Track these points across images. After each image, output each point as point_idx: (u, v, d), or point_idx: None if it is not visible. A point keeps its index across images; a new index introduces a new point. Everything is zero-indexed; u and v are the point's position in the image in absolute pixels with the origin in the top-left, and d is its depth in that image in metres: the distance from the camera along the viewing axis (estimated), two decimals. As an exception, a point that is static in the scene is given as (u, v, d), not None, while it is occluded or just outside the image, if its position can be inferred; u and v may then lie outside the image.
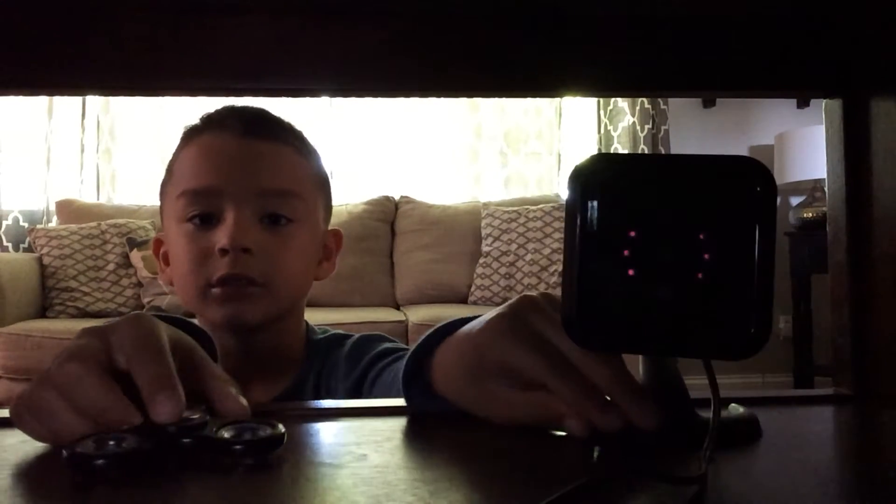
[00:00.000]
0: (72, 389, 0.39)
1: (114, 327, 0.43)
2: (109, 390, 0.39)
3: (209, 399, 0.43)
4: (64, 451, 0.35)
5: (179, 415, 0.39)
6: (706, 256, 0.40)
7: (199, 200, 0.71)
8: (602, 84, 0.60)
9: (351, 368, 0.75)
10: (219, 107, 0.76)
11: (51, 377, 0.40)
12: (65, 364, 0.40)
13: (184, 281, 0.72)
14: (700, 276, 0.40)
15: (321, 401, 0.73)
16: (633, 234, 0.41)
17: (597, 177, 0.43)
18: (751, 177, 0.40)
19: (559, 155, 3.59)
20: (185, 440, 0.38)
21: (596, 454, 0.41)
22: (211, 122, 0.74)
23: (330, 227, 0.81)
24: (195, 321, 0.57)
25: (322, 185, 0.79)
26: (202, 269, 0.69)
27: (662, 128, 3.49)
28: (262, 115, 0.75)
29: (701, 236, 0.40)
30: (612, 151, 3.42)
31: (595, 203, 0.42)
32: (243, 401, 0.44)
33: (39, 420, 0.41)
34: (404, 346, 0.76)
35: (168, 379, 0.39)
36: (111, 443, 0.36)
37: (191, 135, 0.75)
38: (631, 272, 0.41)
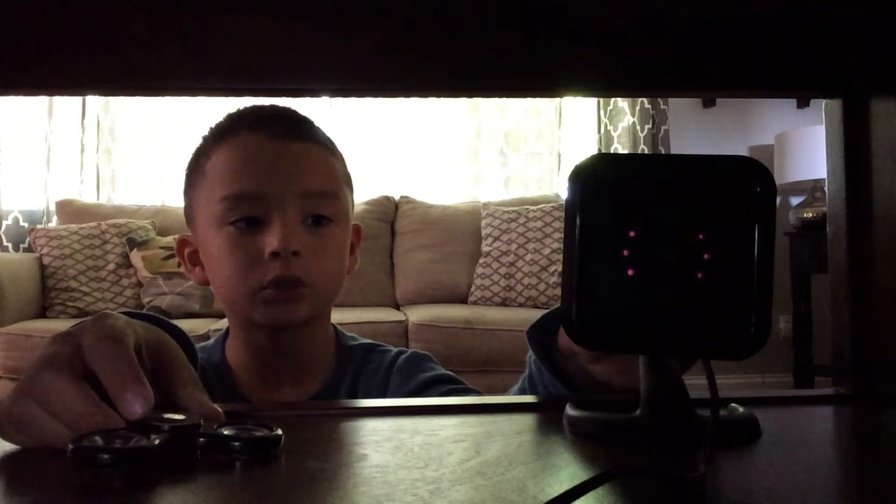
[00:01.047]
0: (49, 399, 0.39)
1: (82, 329, 0.42)
2: (84, 396, 0.39)
3: (180, 404, 0.43)
4: (70, 445, 0.35)
5: (150, 409, 0.38)
6: (705, 256, 0.40)
7: (242, 205, 0.71)
8: (602, 84, 0.60)
9: (403, 382, 0.76)
10: (242, 106, 0.76)
11: (27, 388, 0.40)
12: (39, 374, 0.40)
13: (230, 284, 0.72)
14: (699, 275, 0.40)
15: (321, 401, 0.73)
16: (632, 234, 0.41)
17: (596, 177, 0.43)
18: (750, 176, 0.40)
19: (559, 155, 3.59)
20: (200, 439, 0.38)
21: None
22: (241, 123, 0.74)
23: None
24: (176, 322, 0.57)
25: (350, 182, 0.80)
26: (251, 273, 0.70)
27: (662, 128, 3.48)
28: (294, 114, 0.76)
29: (700, 236, 0.40)
30: (612, 151, 3.42)
31: (594, 203, 0.42)
32: (216, 407, 0.44)
33: (24, 432, 0.41)
34: (456, 377, 0.78)
35: (131, 375, 0.39)
36: (117, 440, 0.36)
37: (221, 135, 0.74)
38: (630, 272, 0.41)
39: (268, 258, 0.69)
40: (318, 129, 0.77)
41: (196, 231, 0.76)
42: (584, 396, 0.55)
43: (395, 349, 0.82)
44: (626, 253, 0.41)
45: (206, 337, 2.26)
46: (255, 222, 0.71)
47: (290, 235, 0.69)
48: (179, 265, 2.93)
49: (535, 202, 3.17)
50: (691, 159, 0.42)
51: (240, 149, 0.73)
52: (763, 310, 0.39)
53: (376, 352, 0.81)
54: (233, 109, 0.77)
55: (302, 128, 0.75)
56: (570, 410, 0.47)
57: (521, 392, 0.65)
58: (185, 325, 2.48)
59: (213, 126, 0.77)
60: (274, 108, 0.76)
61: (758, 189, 0.40)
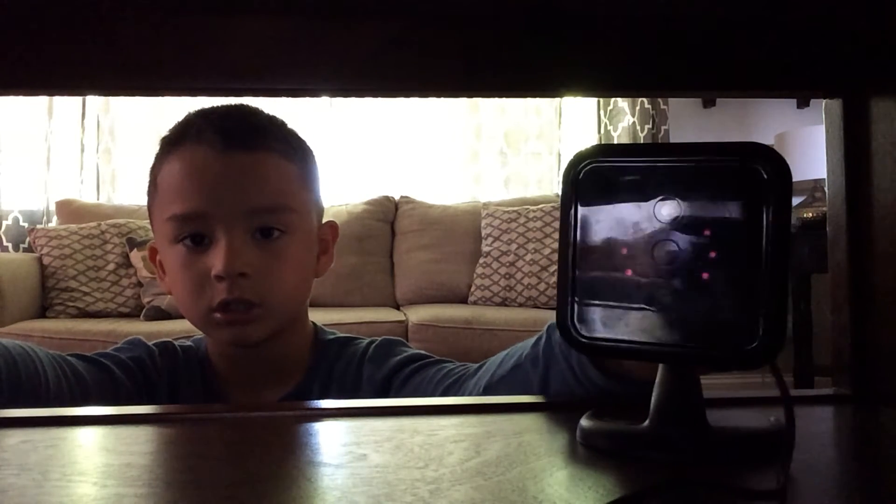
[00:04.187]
0: None
1: None
2: None
3: None
4: None
5: None
6: (712, 254, 0.37)
7: (188, 224, 0.69)
8: (602, 84, 0.60)
9: (375, 370, 0.76)
10: (194, 110, 0.73)
11: None
12: None
13: (185, 305, 0.72)
14: (705, 276, 0.37)
15: (321, 401, 0.73)
16: (631, 230, 0.38)
17: (593, 169, 0.40)
18: (758, 163, 0.36)
19: (559, 155, 3.59)
20: None
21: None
22: (188, 133, 0.71)
23: (325, 220, 0.80)
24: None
25: (310, 183, 0.76)
26: (201, 294, 0.69)
27: (662, 128, 3.48)
28: (242, 119, 0.73)
29: (706, 232, 0.37)
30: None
31: (591, 197, 0.40)
32: None
33: None
34: (427, 354, 0.77)
35: None
36: None
37: (169, 146, 0.73)
38: (629, 272, 0.38)
39: (214, 280, 0.68)
40: (274, 130, 0.73)
41: (158, 245, 0.76)
42: (603, 404, 0.52)
43: (367, 339, 0.81)
44: (624, 251, 0.38)
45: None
46: (203, 240, 0.69)
47: (235, 257, 0.67)
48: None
49: (535, 202, 3.17)
50: (695, 147, 0.39)
51: (185, 163, 0.70)
52: (775, 315, 0.35)
53: (350, 345, 0.80)
54: (188, 112, 0.74)
55: (250, 135, 0.71)
56: (583, 421, 0.44)
57: (525, 360, 0.61)
58: (184, 325, 2.47)
59: (165, 133, 0.74)
60: (225, 112, 0.73)
61: (767, 177, 0.36)
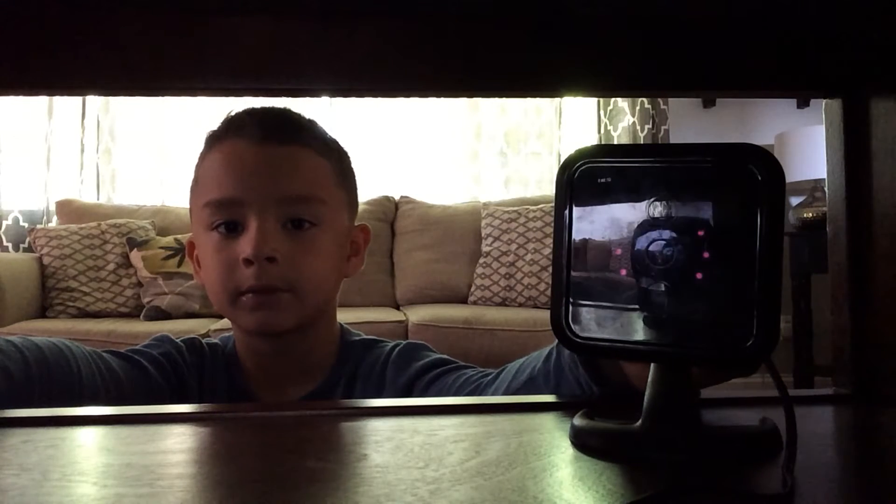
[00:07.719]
0: None
1: None
2: None
3: None
4: None
5: None
6: (705, 255, 0.37)
7: (222, 210, 0.71)
8: (602, 84, 0.60)
9: (398, 373, 0.76)
10: (240, 108, 0.76)
11: None
12: None
13: (215, 289, 0.73)
14: (699, 276, 0.37)
15: (321, 401, 0.73)
16: (625, 230, 0.39)
17: (587, 169, 0.40)
18: (752, 164, 0.36)
19: (559, 155, 3.59)
20: None
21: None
22: (230, 128, 0.74)
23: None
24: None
25: (345, 182, 0.78)
26: (231, 278, 0.71)
27: (662, 128, 3.48)
28: (282, 116, 0.75)
29: (699, 233, 0.37)
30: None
31: (585, 197, 0.40)
32: None
33: None
34: (450, 359, 0.78)
35: None
36: None
37: (213, 141, 0.75)
38: (623, 272, 0.39)
39: (243, 265, 0.69)
40: (312, 130, 0.76)
41: (194, 234, 0.77)
42: (596, 404, 0.51)
43: (392, 343, 0.82)
44: (618, 251, 0.39)
45: (205, 336, 2.26)
46: (235, 227, 0.71)
47: (264, 242, 0.68)
48: (179, 265, 2.88)
49: (535, 202, 3.17)
50: (688, 148, 0.39)
51: (225, 154, 0.73)
52: (769, 315, 0.35)
53: (375, 348, 0.81)
54: (231, 111, 0.76)
55: (288, 130, 0.74)
56: (575, 420, 0.44)
57: (538, 374, 0.62)
58: (185, 325, 2.49)
59: (210, 129, 0.77)
60: (267, 110, 0.75)
61: (760, 178, 0.36)
